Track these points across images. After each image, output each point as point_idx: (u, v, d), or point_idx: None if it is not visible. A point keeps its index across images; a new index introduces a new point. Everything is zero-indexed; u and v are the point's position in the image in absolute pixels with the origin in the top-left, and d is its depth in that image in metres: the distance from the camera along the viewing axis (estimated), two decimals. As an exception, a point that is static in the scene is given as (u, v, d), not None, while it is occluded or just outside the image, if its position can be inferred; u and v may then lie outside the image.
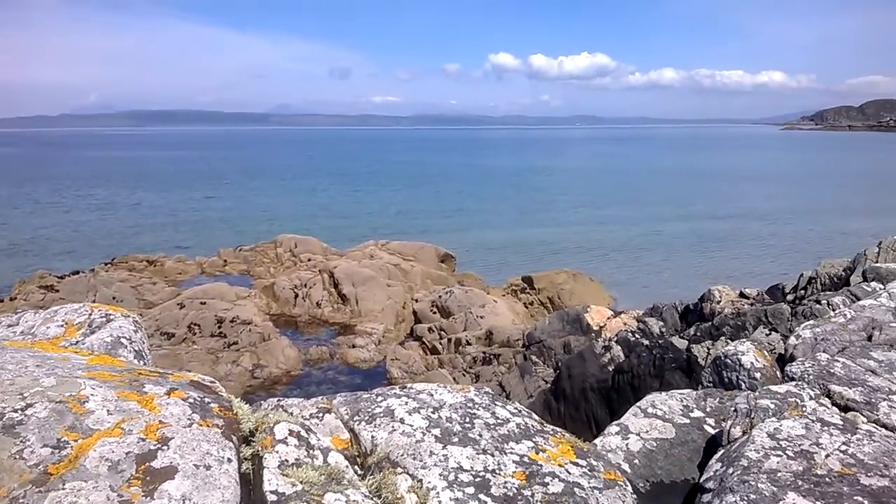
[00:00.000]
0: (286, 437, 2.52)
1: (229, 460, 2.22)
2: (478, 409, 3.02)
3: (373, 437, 2.88)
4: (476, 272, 31.07)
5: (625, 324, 15.49)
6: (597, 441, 3.26)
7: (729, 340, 8.97)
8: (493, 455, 2.70)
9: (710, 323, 10.94)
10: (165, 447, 2.13)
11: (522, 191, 75.55)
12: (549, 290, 26.08)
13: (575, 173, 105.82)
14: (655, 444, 3.21)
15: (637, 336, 12.66)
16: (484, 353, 19.38)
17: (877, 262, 10.97)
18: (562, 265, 30.42)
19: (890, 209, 52.28)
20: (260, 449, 2.40)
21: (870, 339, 3.63)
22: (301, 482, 2.25)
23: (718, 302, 12.87)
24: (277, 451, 2.38)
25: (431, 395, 3.15)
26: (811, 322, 3.88)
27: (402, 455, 2.73)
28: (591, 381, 12.52)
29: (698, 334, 10.86)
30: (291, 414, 3.11)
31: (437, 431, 2.84)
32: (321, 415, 3.12)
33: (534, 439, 2.82)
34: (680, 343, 10.52)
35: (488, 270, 33.05)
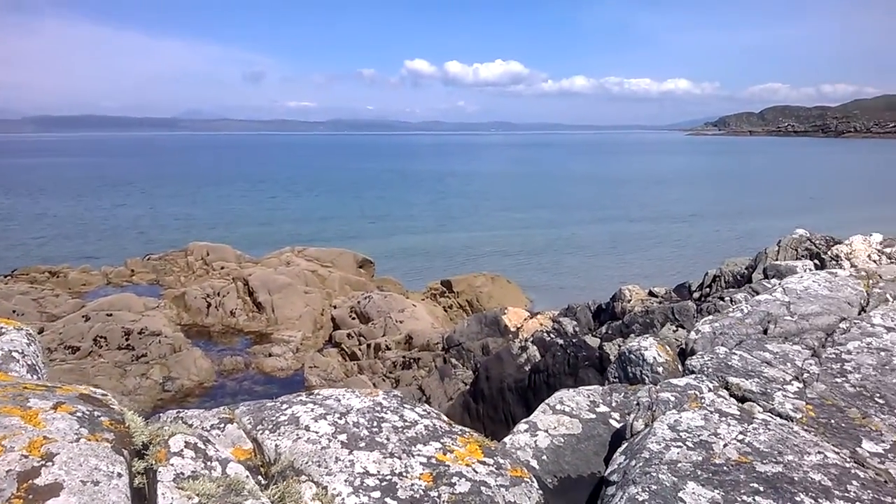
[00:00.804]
0: (182, 450, 2.42)
1: (119, 475, 2.11)
2: (386, 413, 2.98)
3: (276, 445, 2.80)
4: (397, 277, 30.98)
5: (541, 324, 15.74)
6: (506, 439, 3.28)
7: (638, 337, 9.23)
8: (400, 458, 2.66)
9: (620, 321, 11.26)
10: (50, 463, 2.01)
11: (444, 196, 75.92)
12: (467, 293, 26.27)
13: (494, 178, 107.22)
14: (563, 440, 3.25)
15: (552, 336, 12.89)
16: (404, 357, 19.32)
17: (776, 259, 11.54)
18: (482, 269, 30.72)
19: (789, 210, 55.35)
20: (154, 462, 2.29)
21: (765, 332, 3.79)
22: (198, 495, 2.16)
23: (629, 301, 13.25)
24: (172, 465, 2.27)
25: (339, 400, 3.09)
26: (710, 317, 4.02)
27: (306, 462, 2.66)
28: (508, 381, 12.66)
29: (610, 332, 11.15)
30: (191, 425, 2.99)
31: (343, 437, 2.78)
32: (223, 425, 3.01)
33: (442, 440, 2.80)
34: (592, 341, 10.77)
35: (410, 275, 33.04)
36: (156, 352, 20.28)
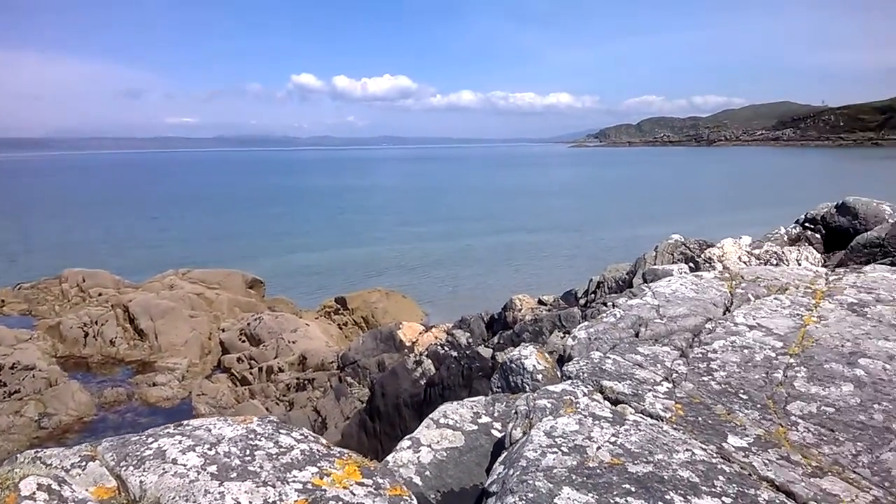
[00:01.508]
0: (34, 493, 2.25)
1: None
2: (260, 440, 2.86)
3: (142, 481, 2.62)
4: (292, 296, 30.30)
5: (436, 337, 15.78)
6: (389, 457, 3.22)
7: (528, 345, 9.42)
8: (274, 486, 2.55)
9: (511, 330, 11.47)
10: None
11: (340, 211, 75.12)
12: (362, 309, 26.02)
13: (390, 192, 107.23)
14: (446, 454, 3.23)
15: (446, 349, 12.96)
16: (298, 378, 18.85)
17: (654, 264, 12.07)
18: (379, 284, 30.56)
19: (667, 216, 58.35)
20: (1, 509, 2.12)
21: (637, 335, 3.92)
22: (50, 541, 2.00)
23: (520, 310, 13.51)
24: (21, 510, 2.10)
25: (209, 430, 2.93)
26: (586, 323, 4.13)
27: (173, 498, 2.50)
28: (404, 397, 12.61)
29: (501, 342, 11.33)
30: (49, 465, 2.77)
31: (213, 468, 2.64)
32: (84, 463, 2.80)
33: (318, 464, 2.71)
34: (485, 352, 10.91)
35: (306, 294, 32.39)
36: (30, 387, 18.87)
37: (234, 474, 2.61)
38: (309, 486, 2.55)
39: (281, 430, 2.94)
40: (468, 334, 13.67)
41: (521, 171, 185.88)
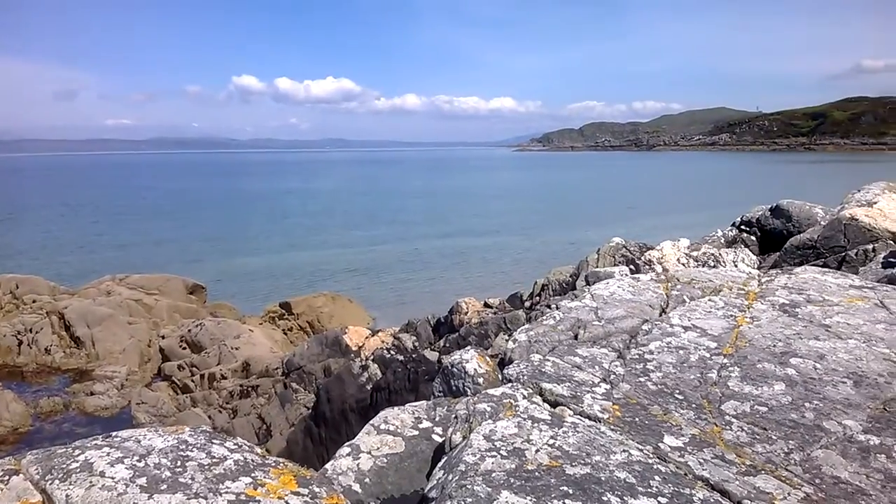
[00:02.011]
0: (-50, 512, 2.13)
1: None
2: (191, 451, 2.77)
3: (67, 496, 2.52)
4: (236, 302, 29.72)
5: (382, 342, 15.69)
6: (327, 465, 3.17)
7: (470, 349, 9.45)
8: (206, 497, 2.47)
9: (457, 333, 11.49)
10: None
11: (286, 215, 74.07)
12: (308, 314, 25.71)
13: (336, 196, 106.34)
14: (386, 461, 3.19)
15: (392, 353, 12.90)
16: (241, 386, 18.49)
17: (597, 266, 12.25)
18: (326, 289, 30.25)
19: (610, 219, 59.47)
20: None
21: (576, 337, 3.95)
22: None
23: (466, 313, 13.55)
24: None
25: (139, 441, 2.84)
26: (527, 326, 4.15)
27: (100, 512, 2.41)
28: (350, 402, 12.50)
29: (447, 345, 11.34)
30: (-31, 482, 2.65)
31: (142, 481, 2.55)
32: (7, 478, 2.68)
33: (253, 474, 2.64)
34: (432, 355, 10.90)
35: (251, 299, 31.81)
36: (-41, 399, 18.08)
37: (164, 486, 2.52)
38: (242, 496, 2.48)
39: (214, 440, 2.86)
40: (414, 338, 13.64)
41: (466, 174, 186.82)
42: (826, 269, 5.20)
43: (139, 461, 2.67)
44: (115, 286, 27.37)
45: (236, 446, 2.86)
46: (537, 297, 13.04)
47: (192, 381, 19.87)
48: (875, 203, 9.79)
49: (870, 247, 8.76)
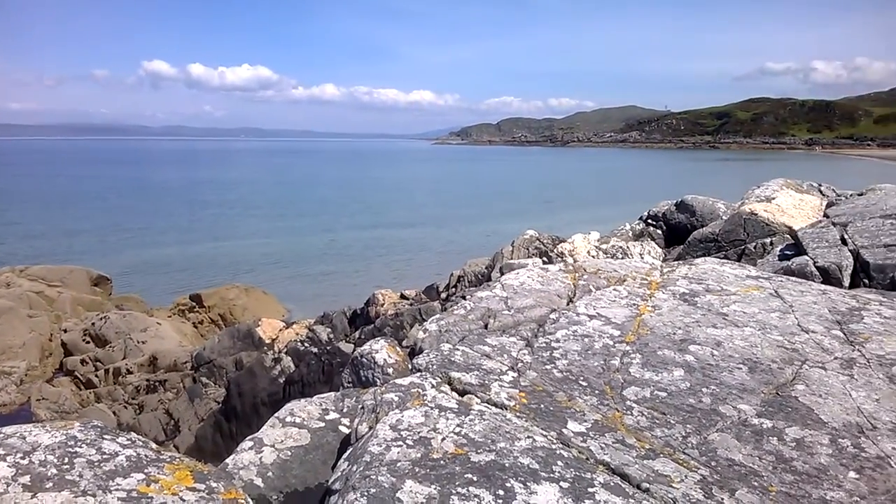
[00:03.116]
0: None
1: None
2: (81, 447, 2.63)
3: (-59, 498, 2.35)
4: (146, 295, 28.52)
5: (297, 334, 15.45)
6: (228, 460, 3.07)
7: (380, 339, 9.43)
8: (94, 495, 2.35)
9: (373, 325, 11.42)
10: None
11: (198, 206, 71.55)
12: (220, 307, 24.99)
13: (253, 186, 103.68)
14: (290, 453, 3.12)
15: (306, 345, 12.71)
16: (148, 380, 17.81)
17: (511, 258, 12.43)
18: (241, 280, 29.45)
19: (527, 212, 60.44)
20: None
21: (486, 327, 3.98)
22: None
23: (382, 305, 13.50)
24: None
25: (24, 437, 2.67)
26: (438, 315, 4.15)
27: (-23, 514, 2.25)
28: (262, 396, 12.25)
29: (363, 337, 11.26)
30: None
31: (26, 479, 2.40)
32: None
33: (146, 470, 2.53)
34: (347, 347, 10.80)
35: (161, 292, 30.56)
36: None
37: (50, 484, 2.38)
38: (134, 493, 2.37)
39: (105, 436, 2.72)
40: (329, 330, 13.49)
41: (386, 166, 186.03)
42: (725, 261, 5.43)
43: (23, 458, 2.51)
44: (15, 278, 25.81)
45: (129, 442, 2.72)
46: (453, 289, 13.13)
47: (97, 376, 19.00)
48: (773, 199, 10.33)
49: (768, 240, 9.24)
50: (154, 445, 2.76)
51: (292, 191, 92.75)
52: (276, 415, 3.44)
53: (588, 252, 11.15)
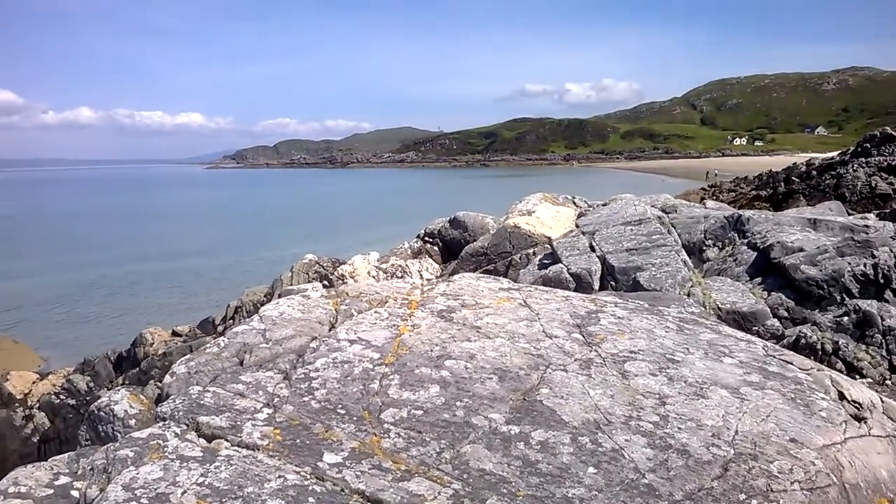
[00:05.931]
0: None
1: None
2: None
3: None
4: None
5: (53, 385, 13.81)
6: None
7: (158, 383, 8.76)
8: None
9: (139, 368, 10.55)
10: None
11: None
12: (-42, 362, 21.73)
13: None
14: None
15: (63, 397, 11.41)
16: None
17: (290, 284, 12.15)
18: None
19: (307, 236, 59.53)
20: None
21: (242, 363, 3.80)
22: None
23: (151, 344, 12.52)
24: None
25: None
26: (188, 356, 3.89)
27: None
28: (13, 459, 10.77)
29: (128, 382, 10.34)
30: None
31: None
32: None
33: None
34: (110, 396, 9.86)
35: None
36: None
37: None
38: None
39: None
40: (89, 378, 12.22)
41: (154, 193, 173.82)
42: (481, 275, 5.71)
43: None
44: None
45: None
46: (231, 321, 12.54)
47: None
48: (534, 212, 11.16)
49: (531, 251, 9.93)
50: None
51: (48, 224, 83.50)
52: (-6, 488, 2.99)
53: (368, 273, 11.23)
